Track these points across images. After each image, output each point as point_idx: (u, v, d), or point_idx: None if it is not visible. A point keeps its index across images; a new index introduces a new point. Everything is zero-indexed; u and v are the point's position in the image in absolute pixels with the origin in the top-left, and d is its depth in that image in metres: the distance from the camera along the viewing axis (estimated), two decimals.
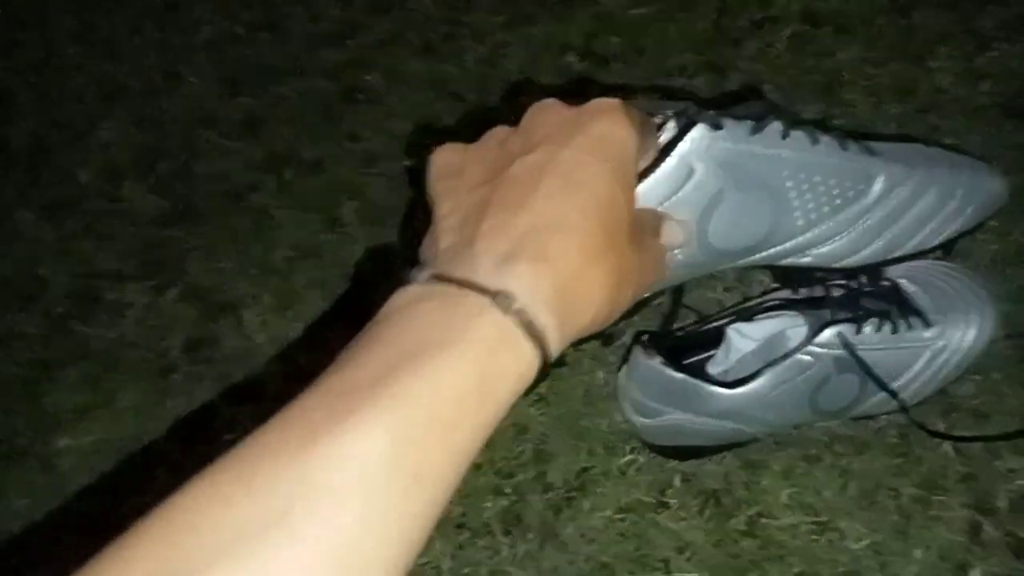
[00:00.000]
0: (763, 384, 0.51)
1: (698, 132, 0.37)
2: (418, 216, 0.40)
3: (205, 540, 0.22)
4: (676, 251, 0.39)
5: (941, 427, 0.56)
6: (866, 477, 0.54)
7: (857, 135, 0.45)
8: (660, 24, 0.86)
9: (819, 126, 0.42)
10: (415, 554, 0.24)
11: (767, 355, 0.52)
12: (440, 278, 0.29)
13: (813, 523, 0.53)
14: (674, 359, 0.53)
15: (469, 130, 0.37)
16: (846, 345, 0.51)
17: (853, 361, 0.51)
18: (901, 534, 0.52)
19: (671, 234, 0.38)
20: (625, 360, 0.56)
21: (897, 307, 0.53)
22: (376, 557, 0.23)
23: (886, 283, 0.55)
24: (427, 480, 0.24)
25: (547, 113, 0.34)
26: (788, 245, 0.43)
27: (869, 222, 0.45)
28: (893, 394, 0.52)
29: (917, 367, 0.54)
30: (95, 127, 0.94)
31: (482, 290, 0.27)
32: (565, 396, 0.61)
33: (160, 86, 0.97)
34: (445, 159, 0.35)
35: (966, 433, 0.55)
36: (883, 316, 0.52)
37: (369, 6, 1.00)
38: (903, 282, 0.56)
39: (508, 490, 0.58)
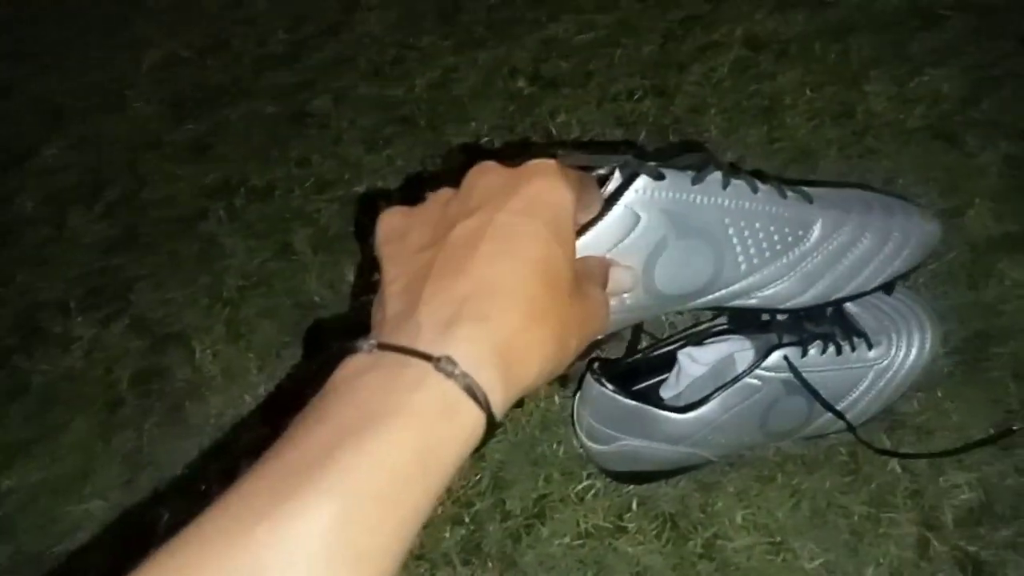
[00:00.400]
0: (714, 408, 0.52)
1: (642, 182, 0.39)
2: (366, 275, 0.40)
3: None
4: (624, 295, 0.40)
5: (887, 444, 0.57)
6: (817, 496, 0.55)
7: (795, 182, 0.47)
8: (607, 49, 0.87)
9: (757, 175, 0.44)
10: None
11: (717, 379, 0.53)
12: (384, 346, 0.29)
13: (768, 543, 0.54)
14: (626, 385, 0.54)
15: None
16: (792, 368, 0.52)
17: (800, 384, 0.52)
18: (853, 552, 0.53)
19: (617, 280, 0.39)
20: (579, 387, 0.56)
21: (841, 329, 0.55)
22: None
23: (830, 308, 0.57)
24: (373, 555, 0.25)
25: (486, 176, 0.35)
26: (733, 288, 0.45)
27: (809, 266, 0.46)
28: (839, 415, 0.54)
29: (862, 387, 0.55)
30: (36, 151, 0.92)
31: (425, 356, 0.28)
32: (522, 423, 0.61)
33: (103, 108, 0.95)
34: (390, 223, 0.36)
35: (911, 450, 0.57)
36: (827, 338, 0.53)
37: (317, 29, 0.99)
38: (846, 304, 0.58)
39: (467, 519, 0.58)
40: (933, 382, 0.60)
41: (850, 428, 0.54)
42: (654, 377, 0.57)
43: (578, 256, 0.35)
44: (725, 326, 0.56)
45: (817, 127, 0.76)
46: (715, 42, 0.85)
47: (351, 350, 0.29)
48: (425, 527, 0.58)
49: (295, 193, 0.83)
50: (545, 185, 0.33)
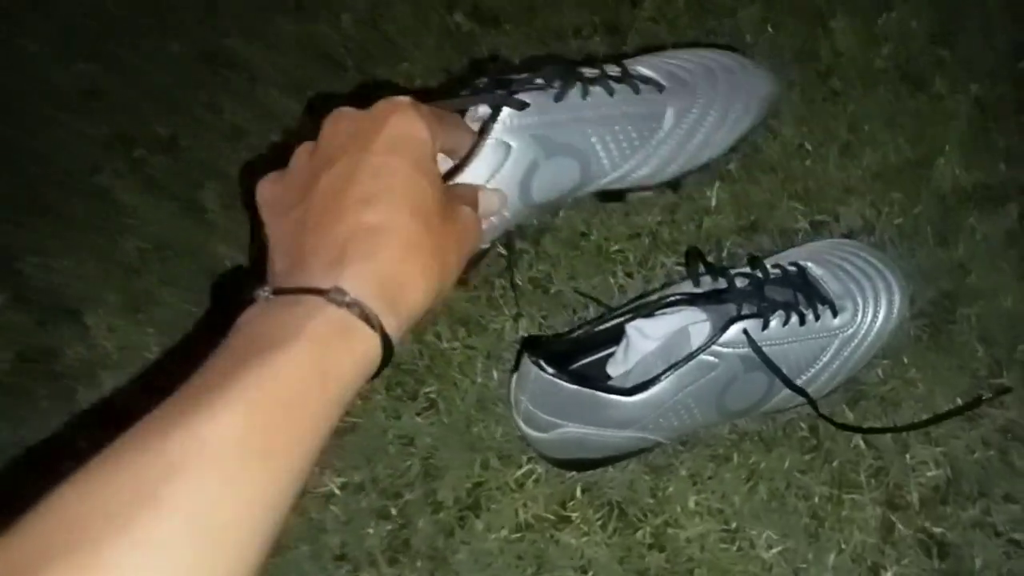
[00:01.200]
0: (666, 388, 0.47)
1: (506, 113, 0.42)
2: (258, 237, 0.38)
3: (84, 522, 0.24)
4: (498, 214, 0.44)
5: (850, 418, 0.53)
6: (776, 477, 0.51)
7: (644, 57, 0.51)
8: None
9: (614, 64, 0.48)
10: (276, 520, 0.28)
11: (669, 355, 0.48)
12: (279, 291, 0.32)
13: (722, 531, 0.50)
14: (568, 364, 0.48)
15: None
16: (752, 344, 0.47)
17: (761, 360, 0.47)
18: (813, 537, 0.49)
19: (487, 203, 0.43)
20: (516, 367, 0.50)
21: (804, 296, 0.50)
22: (235, 521, 0.26)
23: (792, 268, 0.51)
24: (278, 454, 0.27)
25: (341, 122, 0.37)
26: (599, 182, 0.49)
27: (664, 150, 0.50)
28: (802, 392, 0.49)
29: (826, 358, 0.51)
30: None
31: (317, 291, 0.31)
32: (455, 401, 0.55)
33: None
34: (266, 190, 0.38)
35: (876, 424, 0.52)
36: (789, 308, 0.48)
37: None
38: (810, 266, 0.53)
39: (393, 512, 0.53)
40: (898, 349, 0.55)
41: (812, 404, 0.50)
42: (599, 352, 0.52)
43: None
44: (677, 297, 0.50)
45: (779, 66, 0.70)
46: None
47: (250, 299, 0.32)
48: (347, 522, 0.52)
49: (203, 143, 0.74)
50: (401, 121, 0.35)
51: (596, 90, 0.45)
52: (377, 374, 0.32)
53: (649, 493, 0.52)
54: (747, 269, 0.50)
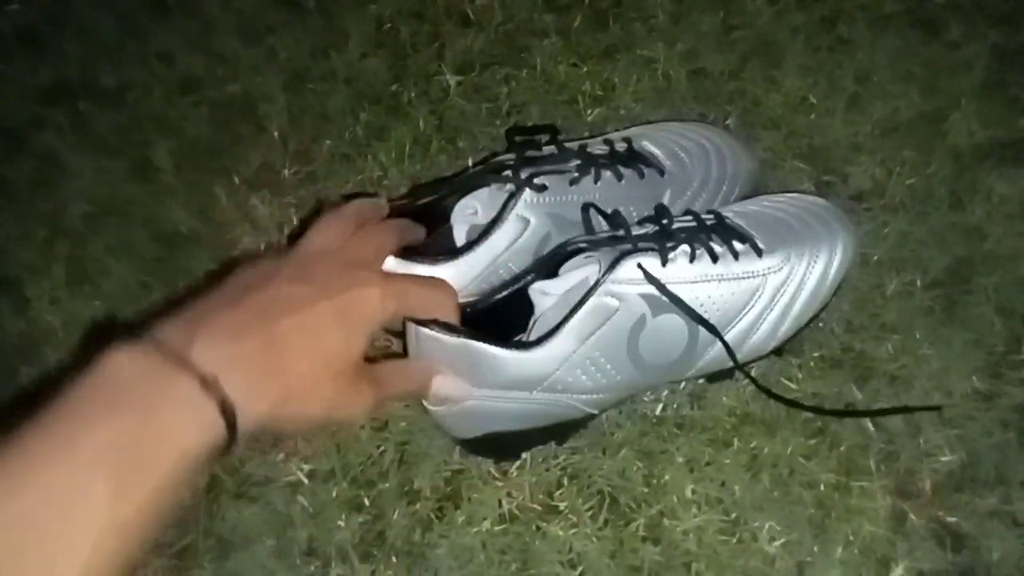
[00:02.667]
0: (566, 339, 0.42)
1: (529, 194, 0.47)
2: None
3: None
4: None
5: (859, 397, 0.49)
6: (779, 463, 0.47)
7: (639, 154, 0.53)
8: None
9: (618, 159, 0.51)
10: None
11: (567, 307, 0.43)
12: (162, 347, 0.32)
13: (722, 522, 0.46)
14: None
15: None
16: (649, 276, 0.42)
17: (666, 297, 0.42)
18: (819, 529, 0.46)
19: (451, 390, 0.43)
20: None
21: (717, 233, 0.45)
22: None
23: (709, 218, 0.47)
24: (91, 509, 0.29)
25: (321, 256, 0.40)
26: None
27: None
28: (713, 331, 0.44)
29: (758, 306, 0.46)
30: None
31: (196, 373, 0.32)
32: None
33: None
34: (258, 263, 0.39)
35: (886, 404, 0.49)
36: (695, 240, 0.44)
37: None
38: (730, 215, 0.48)
39: (367, 502, 0.49)
40: (911, 322, 0.51)
41: (730, 354, 0.45)
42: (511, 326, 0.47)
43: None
44: (573, 247, 0.46)
45: (781, 12, 0.65)
46: None
47: (127, 339, 0.32)
48: (315, 515, 0.47)
49: (155, 96, 0.68)
50: (364, 298, 0.38)
51: (607, 175, 0.50)
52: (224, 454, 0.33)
53: (643, 481, 0.48)
54: (652, 214, 0.46)
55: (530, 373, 0.43)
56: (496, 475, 0.49)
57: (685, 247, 0.43)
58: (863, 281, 0.53)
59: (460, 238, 0.51)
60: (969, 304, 0.52)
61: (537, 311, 0.46)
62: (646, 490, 0.47)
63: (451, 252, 0.47)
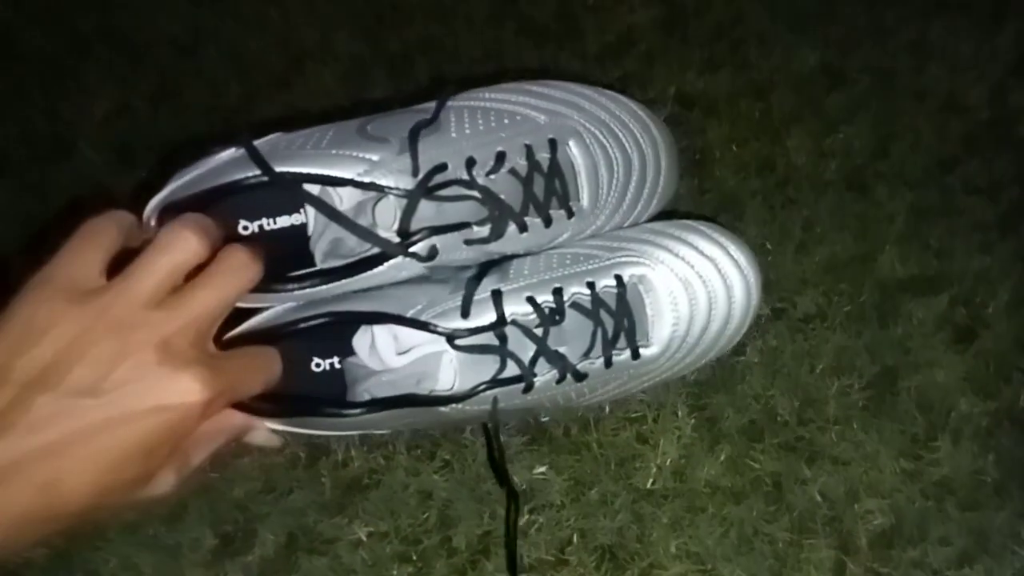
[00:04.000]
0: (386, 418, 0.46)
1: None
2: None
3: None
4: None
5: (807, 475, 0.62)
6: (744, 524, 0.59)
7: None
8: None
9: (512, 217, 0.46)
10: None
11: (412, 383, 0.45)
12: None
13: (699, 571, 0.58)
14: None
15: None
16: (493, 414, 0.47)
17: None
18: None
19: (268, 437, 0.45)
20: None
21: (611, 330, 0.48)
22: None
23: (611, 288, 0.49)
24: None
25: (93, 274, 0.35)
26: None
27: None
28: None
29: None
30: None
31: None
32: (467, 461, 0.64)
33: (50, 156, 0.96)
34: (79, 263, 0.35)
35: (828, 480, 0.61)
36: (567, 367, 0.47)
37: (269, 80, 1.02)
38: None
39: (414, 556, 0.60)
40: (848, 415, 0.64)
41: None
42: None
43: None
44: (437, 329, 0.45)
45: (743, 179, 0.82)
46: (651, 99, 0.90)
47: None
48: (372, 565, 0.59)
49: None
50: (182, 416, 0.33)
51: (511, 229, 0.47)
52: None
53: (636, 539, 0.59)
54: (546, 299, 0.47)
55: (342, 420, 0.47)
56: (518, 534, 0.61)
57: (555, 372, 0.47)
58: (811, 384, 0.67)
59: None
60: (896, 402, 0.65)
61: (377, 353, 0.46)
62: (639, 546, 0.59)
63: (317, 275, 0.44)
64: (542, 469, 0.62)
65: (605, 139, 0.50)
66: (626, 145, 0.51)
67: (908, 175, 0.79)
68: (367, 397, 0.47)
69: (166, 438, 0.33)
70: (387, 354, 0.46)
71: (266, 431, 0.44)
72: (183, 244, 0.36)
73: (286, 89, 1.01)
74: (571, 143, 0.49)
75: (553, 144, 0.47)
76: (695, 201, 0.80)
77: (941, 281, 0.71)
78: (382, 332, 0.47)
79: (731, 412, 0.64)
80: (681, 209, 0.79)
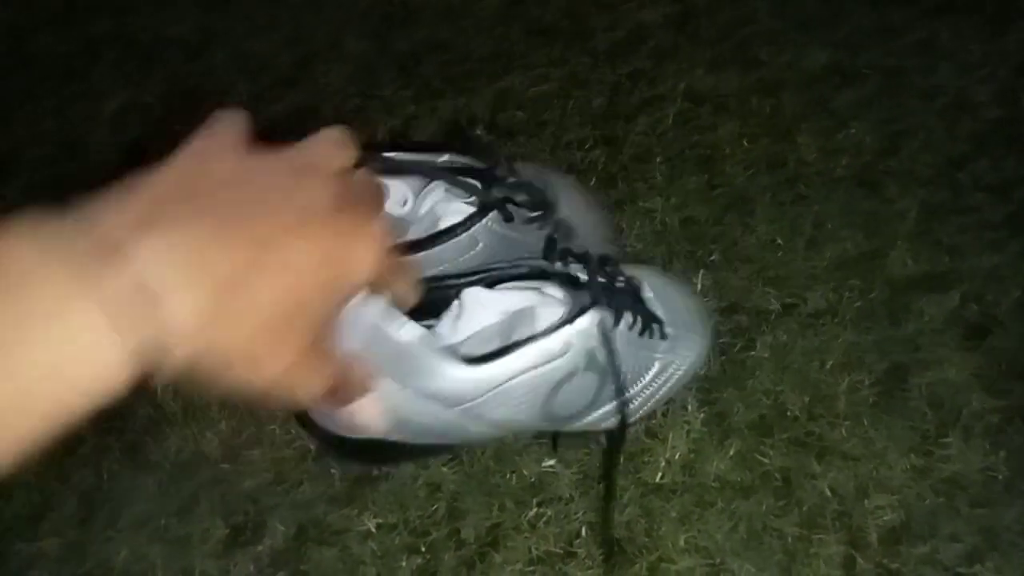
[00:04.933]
0: (506, 367, 0.43)
1: (494, 217, 0.50)
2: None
3: None
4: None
5: (817, 470, 0.61)
6: (753, 519, 0.59)
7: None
8: (559, 101, 0.92)
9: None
10: None
11: (510, 333, 0.45)
12: (94, 246, 0.26)
13: (708, 565, 0.57)
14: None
15: None
16: (605, 335, 0.44)
17: (605, 355, 0.45)
18: (785, 571, 0.57)
19: (364, 380, 0.39)
20: None
21: (641, 312, 0.50)
22: None
23: (628, 280, 0.51)
24: None
25: (321, 153, 0.33)
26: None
27: None
28: (625, 402, 0.48)
29: (647, 378, 0.53)
30: None
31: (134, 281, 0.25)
32: (476, 454, 0.64)
33: (60, 157, 0.97)
34: (231, 125, 0.33)
35: (839, 476, 0.61)
36: (637, 313, 0.47)
37: (279, 79, 1.02)
38: (644, 285, 0.55)
39: (422, 548, 0.60)
40: (858, 411, 0.64)
41: (623, 420, 0.49)
42: (423, 320, 0.46)
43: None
44: (527, 268, 0.47)
45: (753, 175, 0.82)
46: (659, 96, 0.90)
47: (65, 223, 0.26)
48: (381, 556, 0.60)
49: None
50: (363, 251, 0.31)
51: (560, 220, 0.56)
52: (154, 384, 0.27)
53: (644, 533, 0.59)
54: (582, 260, 0.49)
55: (461, 390, 0.43)
56: (526, 527, 0.61)
57: (629, 314, 0.47)
58: (821, 380, 0.67)
59: None
60: (905, 398, 0.65)
61: (468, 318, 0.45)
62: (647, 540, 0.59)
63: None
64: (551, 462, 0.63)
65: None
66: None
67: (918, 172, 0.79)
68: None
69: (339, 295, 0.32)
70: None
71: (376, 413, 0.42)
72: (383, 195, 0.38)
73: (296, 87, 1.02)
74: None
75: None
76: (704, 197, 0.81)
77: (952, 278, 0.71)
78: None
79: (741, 407, 0.64)
80: (692, 206, 0.80)
